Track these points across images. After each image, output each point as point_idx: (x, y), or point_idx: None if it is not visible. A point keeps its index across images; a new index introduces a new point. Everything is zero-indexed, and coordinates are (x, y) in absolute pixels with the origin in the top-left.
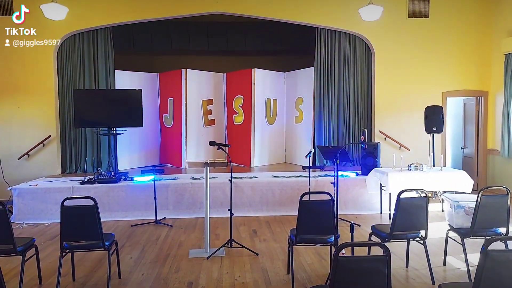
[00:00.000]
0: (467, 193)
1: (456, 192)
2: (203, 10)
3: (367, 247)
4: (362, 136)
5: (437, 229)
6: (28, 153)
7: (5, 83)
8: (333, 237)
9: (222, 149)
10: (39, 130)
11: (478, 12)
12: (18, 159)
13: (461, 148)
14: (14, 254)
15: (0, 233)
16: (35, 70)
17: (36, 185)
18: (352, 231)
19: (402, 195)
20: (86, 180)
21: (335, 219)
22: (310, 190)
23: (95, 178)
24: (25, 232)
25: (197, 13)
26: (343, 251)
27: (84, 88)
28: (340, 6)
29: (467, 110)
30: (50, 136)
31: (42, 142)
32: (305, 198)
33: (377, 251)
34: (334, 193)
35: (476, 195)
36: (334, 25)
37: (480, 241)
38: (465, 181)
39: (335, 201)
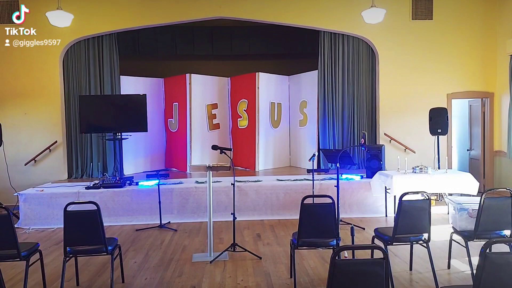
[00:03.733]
0: (473, 196)
1: (461, 195)
2: (207, 15)
3: (370, 250)
4: (362, 139)
5: (442, 232)
6: (35, 159)
7: (12, 90)
8: (335, 241)
9: (225, 153)
10: (45, 135)
11: (482, 13)
12: (25, 164)
13: (467, 150)
14: (18, 259)
15: (4, 238)
16: (41, 76)
17: (42, 191)
18: (352, 234)
19: (404, 198)
20: (91, 185)
21: (337, 222)
22: (315, 194)
23: (101, 183)
24: (31, 237)
25: (201, 18)
26: (345, 254)
27: (89, 93)
28: (343, 9)
29: (473, 112)
30: (56, 141)
31: (48, 147)
32: (308, 201)
33: (381, 254)
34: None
35: (480, 197)
36: (337, 28)
37: None
38: (470, 183)
39: (337, 204)
